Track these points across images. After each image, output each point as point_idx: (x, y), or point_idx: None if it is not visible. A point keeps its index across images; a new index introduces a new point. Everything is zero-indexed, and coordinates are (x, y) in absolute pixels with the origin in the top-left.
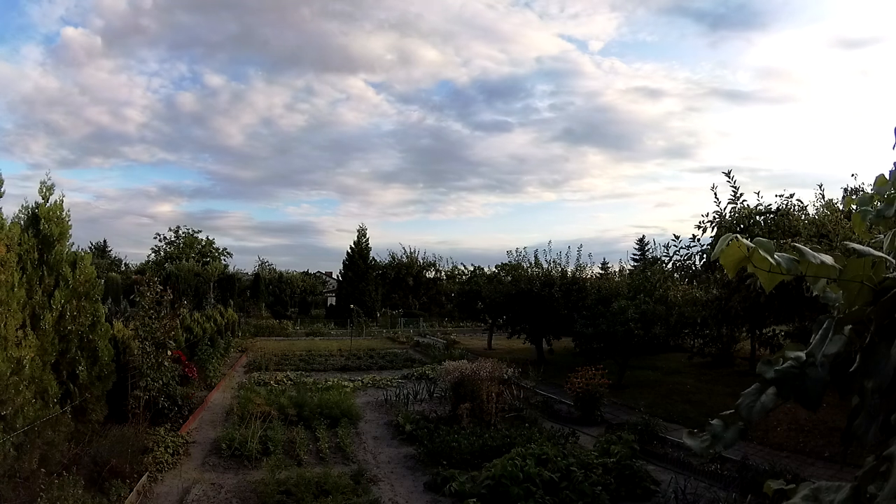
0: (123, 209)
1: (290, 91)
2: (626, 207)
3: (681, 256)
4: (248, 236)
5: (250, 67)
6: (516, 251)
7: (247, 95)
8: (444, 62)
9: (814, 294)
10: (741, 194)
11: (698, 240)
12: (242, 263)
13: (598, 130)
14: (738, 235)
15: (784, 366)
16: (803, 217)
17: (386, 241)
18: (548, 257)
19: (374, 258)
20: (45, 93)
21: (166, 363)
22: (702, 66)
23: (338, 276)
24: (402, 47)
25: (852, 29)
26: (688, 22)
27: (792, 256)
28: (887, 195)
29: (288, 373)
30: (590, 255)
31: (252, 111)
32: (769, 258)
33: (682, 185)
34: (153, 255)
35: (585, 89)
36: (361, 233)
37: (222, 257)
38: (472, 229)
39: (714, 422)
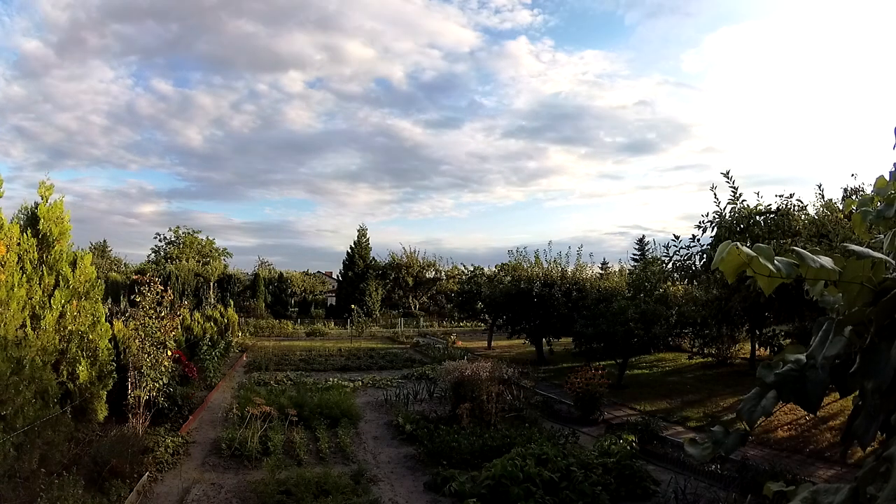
0: (110, 209)
1: (233, 93)
2: (601, 206)
3: (681, 256)
4: (233, 236)
5: (191, 72)
6: (517, 251)
7: (195, 99)
8: (375, 58)
9: (813, 297)
10: (741, 194)
11: (698, 240)
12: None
13: (554, 125)
14: (738, 244)
15: (784, 369)
16: (803, 217)
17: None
18: (548, 257)
19: (373, 258)
20: (14, 100)
21: (166, 363)
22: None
23: (337, 276)
24: (329, 45)
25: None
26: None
27: (791, 261)
28: (888, 196)
29: (288, 373)
30: (590, 255)
31: (203, 114)
32: (769, 265)
33: (654, 182)
34: (153, 254)
35: (529, 82)
36: (361, 233)
37: (222, 257)
38: (452, 228)
39: (715, 428)
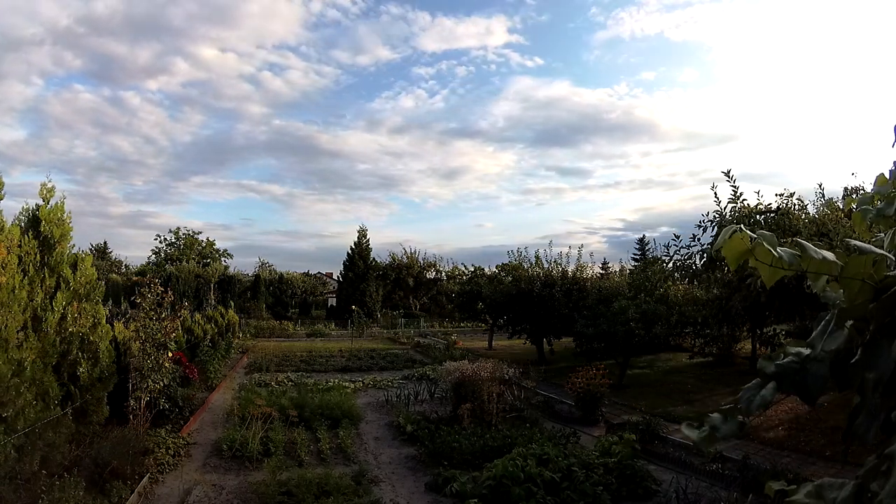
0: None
1: (118, 101)
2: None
3: (681, 256)
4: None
5: (72, 81)
6: (517, 251)
7: (89, 103)
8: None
9: (814, 292)
10: (741, 194)
11: (698, 239)
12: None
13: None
14: (742, 226)
15: (785, 360)
16: (803, 216)
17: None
18: (548, 257)
19: (374, 259)
20: None
21: (167, 364)
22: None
23: (338, 277)
24: (173, 51)
25: None
26: None
27: (794, 252)
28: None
29: (289, 374)
30: (591, 255)
31: (110, 117)
32: (773, 251)
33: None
34: (153, 256)
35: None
36: (362, 233)
37: (222, 258)
38: (422, 227)
39: (713, 415)
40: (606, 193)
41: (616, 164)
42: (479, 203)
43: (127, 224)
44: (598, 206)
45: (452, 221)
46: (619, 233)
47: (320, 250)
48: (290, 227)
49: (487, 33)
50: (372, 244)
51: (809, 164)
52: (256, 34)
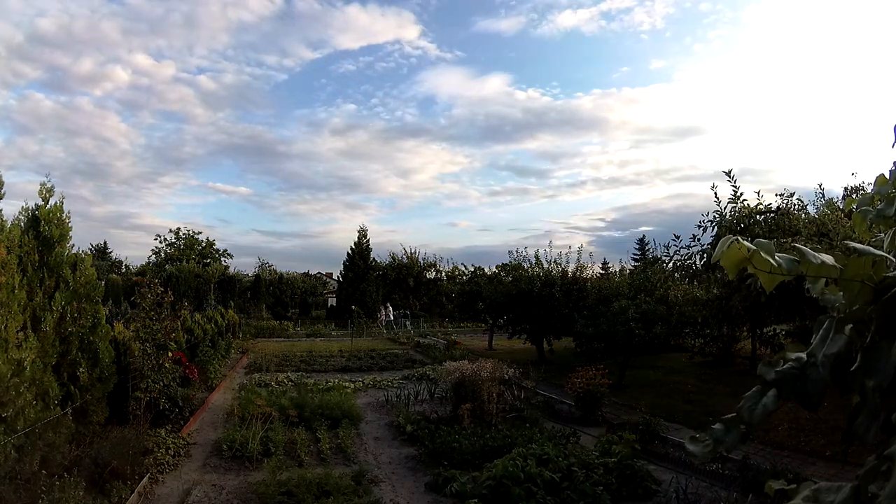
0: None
1: (75, 106)
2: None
3: (681, 256)
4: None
5: (32, 89)
6: (517, 251)
7: (49, 109)
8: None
9: (814, 295)
10: (741, 194)
11: (698, 239)
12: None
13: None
14: (739, 237)
15: (785, 367)
16: (803, 216)
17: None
18: (548, 257)
19: (374, 259)
20: None
21: (167, 365)
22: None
23: (338, 277)
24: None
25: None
26: None
27: (792, 257)
28: (888, 194)
29: (289, 374)
30: (590, 255)
31: (71, 122)
32: (770, 260)
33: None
34: (153, 256)
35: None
36: (362, 233)
37: (223, 259)
38: (400, 227)
39: (716, 426)
40: (576, 194)
41: (572, 162)
42: (449, 203)
43: (112, 225)
44: (572, 207)
45: (427, 221)
46: (605, 233)
47: (305, 250)
48: (266, 227)
49: (399, 27)
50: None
51: (809, 165)
52: (185, 42)
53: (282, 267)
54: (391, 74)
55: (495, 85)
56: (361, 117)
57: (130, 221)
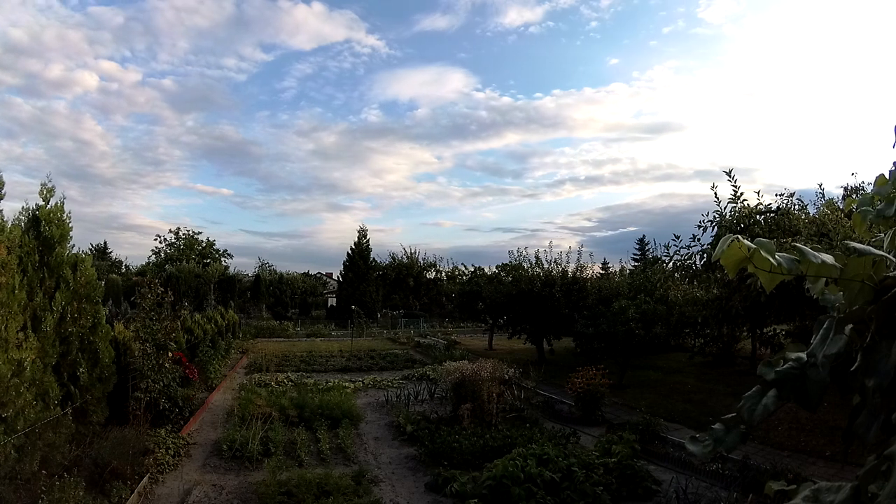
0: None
1: (51, 110)
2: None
3: (681, 256)
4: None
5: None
6: (517, 251)
7: (28, 113)
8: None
9: (814, 295)
10: (741, 194)
11: (698, 239)
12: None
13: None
14: (739, 236)
15: (784, 367)
16: (803, 216)
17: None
18: (548, 257)
19: (374, 259)
20: None
21: (167, 365)
22: None
23: (338, 277)
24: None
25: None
26: None
27: (793, 256)
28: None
29: (289, 374)
30: (591, 255)
31: (51, 126)
32: (770, 259)
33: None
34: (153, 256)
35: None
36: (362, 234)
37: (223, 259)
38: (386, 226)
39: (716, 426)
40: (557, 195)
41: (543, 161)
42: (432, 203)
43: (102, 225)
44: (556, 207)
45: (411, 220)
46: (595, 233)
47: (294, 250)
48: (253, 228)
49: (349, 27)
50: (339, 244)
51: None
52: (147, 48)
53: (273, 267)
54: (348, 75)
55: (454, 84)
56: (326, 119)
57: (120, 222)
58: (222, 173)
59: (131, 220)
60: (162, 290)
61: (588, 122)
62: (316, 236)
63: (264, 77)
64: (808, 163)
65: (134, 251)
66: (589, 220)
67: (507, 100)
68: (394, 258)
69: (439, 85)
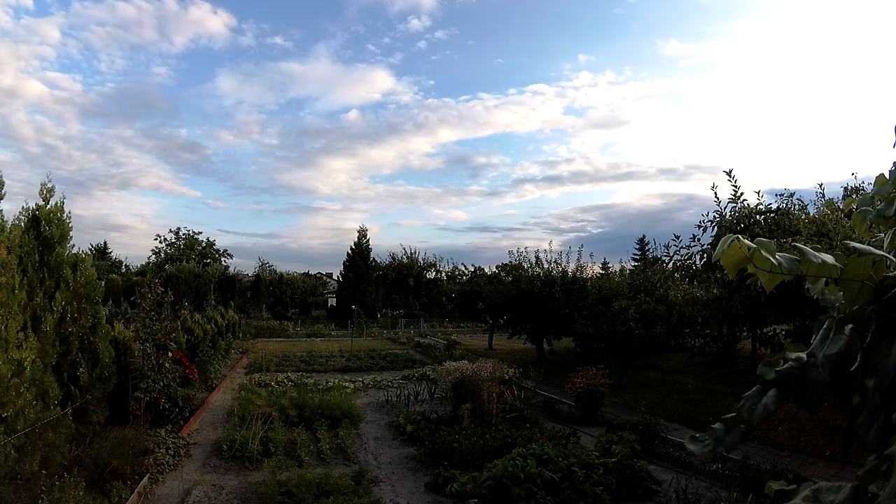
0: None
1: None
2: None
3: (681, 256)
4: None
5: None
6: (517, 251)
7: None
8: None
9: (814, 295)
10: (741, 193)
11: (698, 239)
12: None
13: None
14: (739, 236)
15: (784, 367)
16: (803, 216)
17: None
18: (548, 257)
19: (374, 259)
20: None
21: (167, 365)
22: None
23: (338, 277)
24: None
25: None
26: None
27: (793, 256)
28: (888, 194)
29: (289, 374)
30: (591, 255)
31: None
32: (770, 258)
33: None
34: (153, 256)
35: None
36: (362, 234)
37: (223, 259)
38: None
39: (716, 426)
40: (522, 196)
41: (492, 162)
42: (399, 204)
43: (90, 225)
44: (525, 206)
45: (382, 221)
46: (585, 233)
47: (278, 250)
48: (231, 228)
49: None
50: (318, 244)
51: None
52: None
53: (249, 266)
54: (267, 69)
55: (378, 82)
56: (262, 120)
57: (107, 222)
58: (179, 173)
59: (116, 220)
60: (162, 290)
61: (529, 120)
62: (295, 236)
63: (190, 75)
64: (807, 163)
65: (122, 251)
66: (565, 218)
67: (432, 100)
68: (394, 258)
69: (362, 81)
